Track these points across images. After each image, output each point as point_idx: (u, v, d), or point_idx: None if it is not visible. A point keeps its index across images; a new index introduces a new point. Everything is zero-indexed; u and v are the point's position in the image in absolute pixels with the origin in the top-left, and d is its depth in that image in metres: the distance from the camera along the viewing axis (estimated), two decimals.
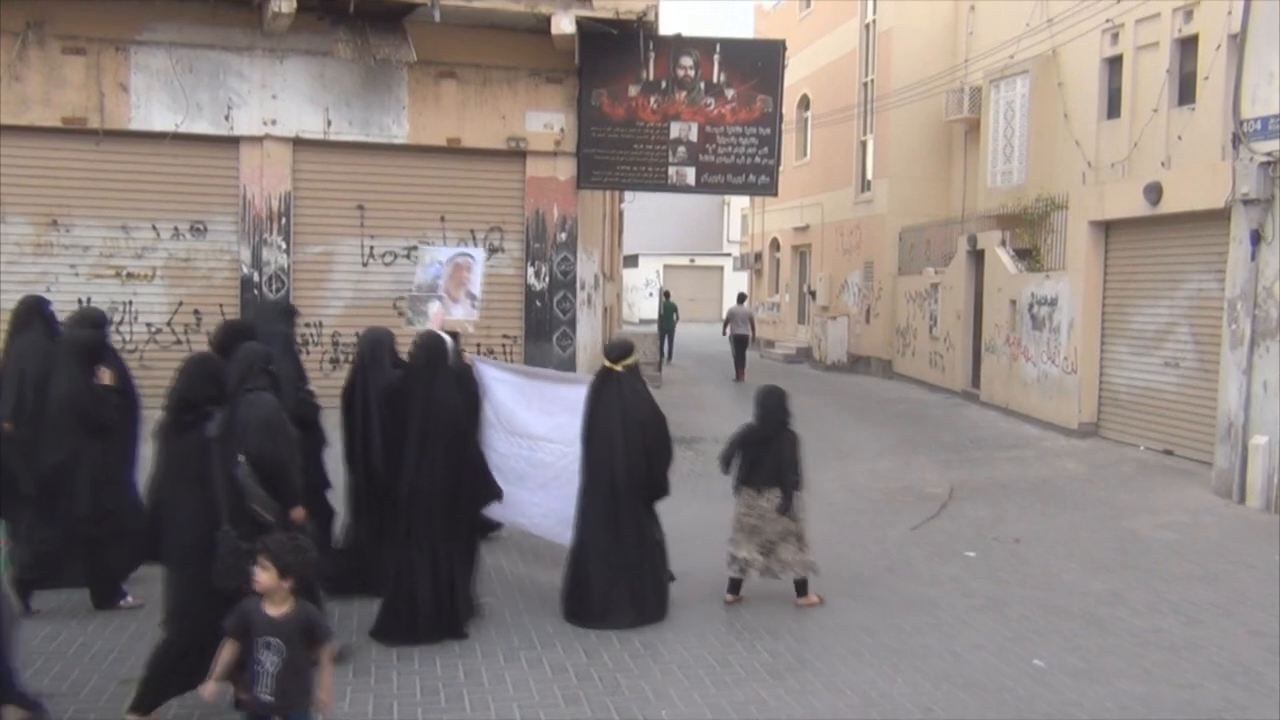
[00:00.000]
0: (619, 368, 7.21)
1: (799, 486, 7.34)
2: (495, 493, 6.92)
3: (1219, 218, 11.84)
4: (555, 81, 12.48)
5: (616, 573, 6.92)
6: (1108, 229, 14.97)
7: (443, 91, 12.20)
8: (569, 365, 12.25)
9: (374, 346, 7.31)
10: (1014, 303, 17.24)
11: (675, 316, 28.11)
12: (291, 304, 8.64)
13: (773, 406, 7.45)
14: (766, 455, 7.32)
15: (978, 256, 19.02)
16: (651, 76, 12.56)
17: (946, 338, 20.36)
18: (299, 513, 5.38)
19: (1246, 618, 7.43)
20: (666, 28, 13.07)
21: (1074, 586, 8.08)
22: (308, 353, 12.01)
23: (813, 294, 28.03)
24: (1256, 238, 10.89)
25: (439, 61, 12.07)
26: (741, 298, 26.85)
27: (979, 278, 19.00)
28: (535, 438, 7.78)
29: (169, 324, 11.63)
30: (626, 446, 6.98)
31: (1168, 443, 13.62)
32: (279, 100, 11.78)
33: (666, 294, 30.78)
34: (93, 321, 7.22)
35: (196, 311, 11.73)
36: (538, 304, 12.56)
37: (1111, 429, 14.85)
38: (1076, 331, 15.25)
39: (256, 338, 6.32)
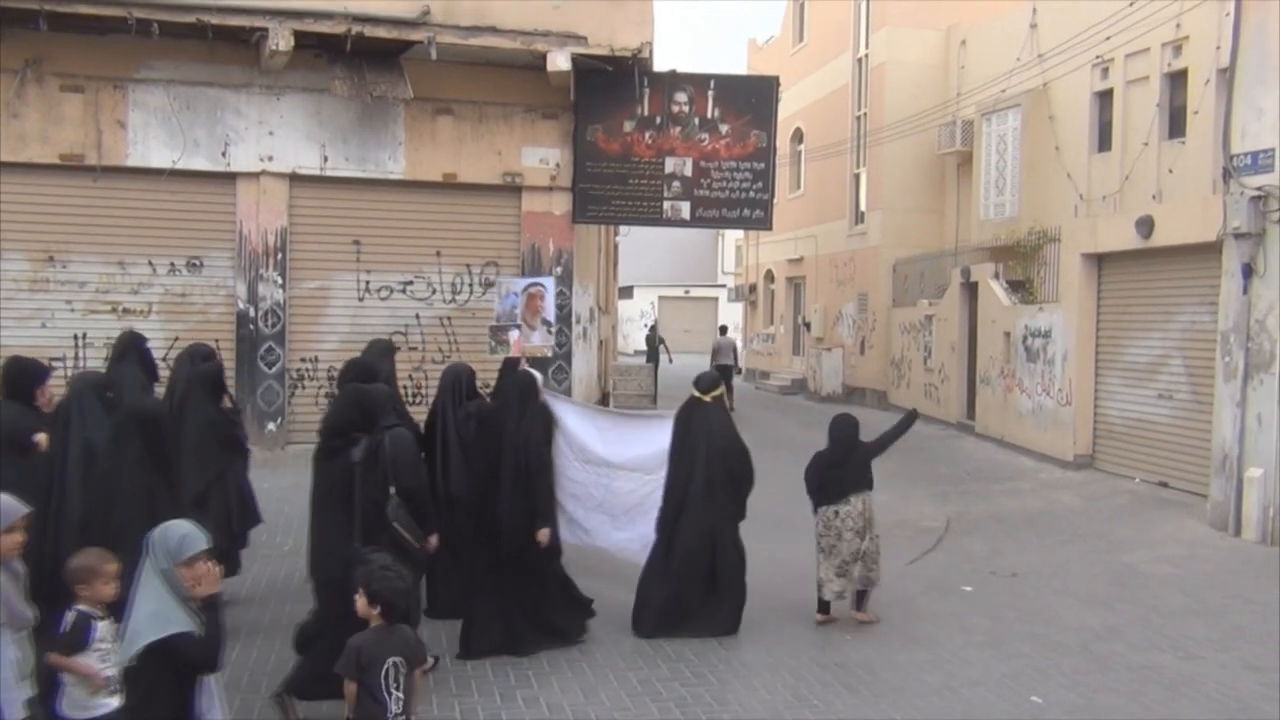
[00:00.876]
0: (707, 398, 7.73)
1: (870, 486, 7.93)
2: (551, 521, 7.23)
3: (1211, 251, 11.91)
4: (551, 117, 12.58)
5: (689, 588, 7.37)
6: (1100, 261, 15.05)
7: (439, 128, 12.29)
8: None
9: (454, 381, 7.62)
10: (1008, 335, 17.29)
11: (662, 349, 28.27)
12: (392, 341, 9.05)
13: (845, 432, 7.97)
14: (843, 476, 7.84)
15: (971, 288, 19.10)
16: (646, 112, 12.68)
17: (941, 369, 20.40)
18: (434, 541, 5.98)
19: (1244, 652, 7.42)
20: (661, 64, 13.22)
21: (1071, 621, 8.06)
22: (304, 387, 12.05)
23: (807, 325, 28.11)
24: (1248, 271, 10.96)
25: (435, 98, 12.16)
26: (724, 330, 27.30)
27: (973, 310, 19.07)
28: (612, 466, 8.03)
29: (164, 359, 11.55)
30: (710, 471, 7.43)
31: (1163, 475, 13.63)
32: (276, 137, 11.86)
33: (654, 328, 31.02)
34: (205, 355, 7.69)
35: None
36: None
37: (1107, 461, 14.86)
38: (1071, 363, 15.29)
39: (377, 377, 6.93)
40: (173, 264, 11.82)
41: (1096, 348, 15.14)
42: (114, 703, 4.17)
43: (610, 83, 12.36)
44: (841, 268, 26.23)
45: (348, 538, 5.54)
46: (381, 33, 11.32)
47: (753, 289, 34.38)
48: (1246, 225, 10.82)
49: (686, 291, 49.47)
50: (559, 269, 12.63)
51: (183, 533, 4.14)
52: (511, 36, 11.65)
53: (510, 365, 7.81)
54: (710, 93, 12.86)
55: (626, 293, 44.20)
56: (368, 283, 12.37)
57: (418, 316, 12.53)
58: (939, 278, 21.27)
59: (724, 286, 47.34)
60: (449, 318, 12.62)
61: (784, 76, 16.57)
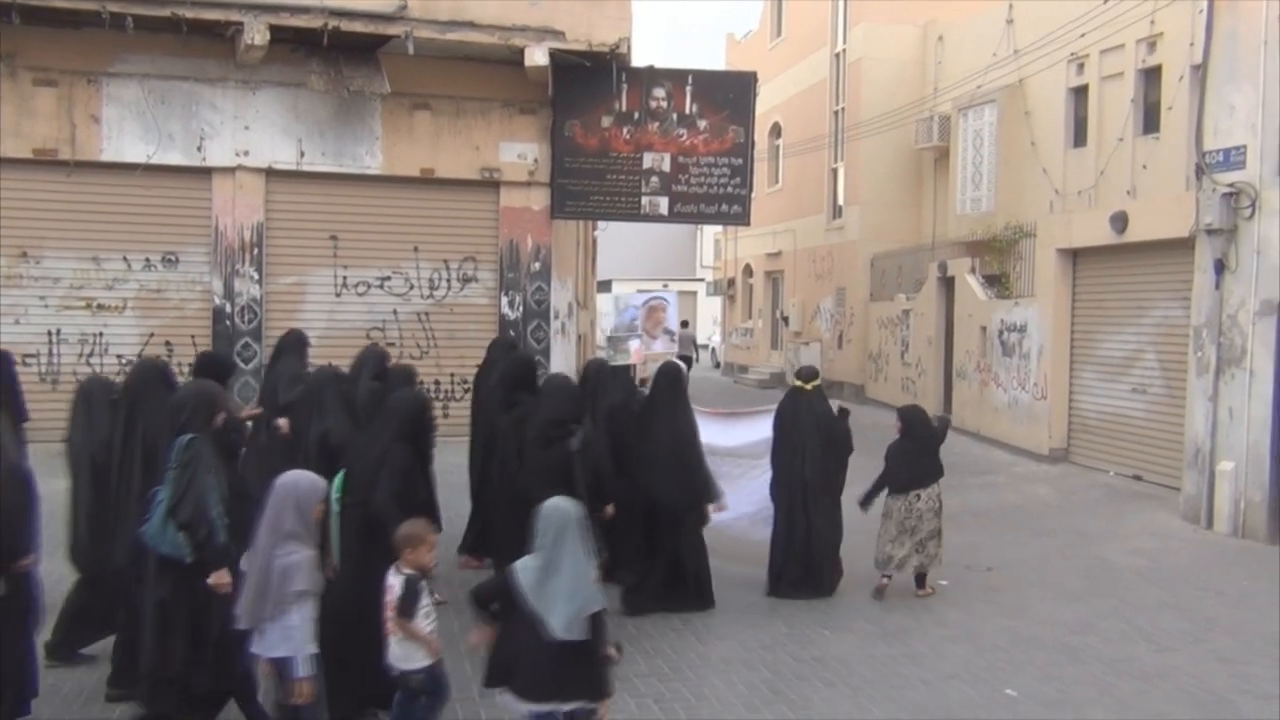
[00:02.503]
0: (809, 388, 8.63)
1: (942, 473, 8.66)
2: (717, 493, 7.99)
3: (1184, 246, 12.02)
4: (529, 112, 12.57)
5: (811, 555, 8.33)
6: (1075, 256, 15.16)
7: (416, 122, 12.25)
8: None
9: (599, 374, 8.60)
10: (984, 329, 17.40)
11: None
12: (514, 338, 9.65)
13: (916, 421, 8.70)
14: (926, 463, 8.49)
15: (948, 283, 19.20)
16: (624, 107, 12.68)
17: (918, 363, 20.51)
18: (610, 509, 6.90)
19: (1216, 645, 7.51)
20: (639, 59, 13.19)
21: (1046, 615, 8.13)
22: None
23: (785, 319, 28.19)
24: (1220, 267, 11.07)
25: (413, 93, 12.13)
26: (684, 324, 27.53)
27: (949, 304, 19.17)
28: (718, 453, 8.61)
29: (140, 355, 11.55)
30: (814, 453, 8.31)
31: (1137, 468, 13.77)
32: (252, 131, 11.80)
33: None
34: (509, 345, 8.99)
35: (168, 342, 11.69)
36: (512, 333, 12.58)
37: (1081, 454, 14.99)
38: (1046, 358, 15.41)
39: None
40: (148, 259, 11.75)
41: (1071, 342, 15.26)
42: (430, 659, 4.84)
43: (588, 78, 12.35)
44: (819, 262, 26.31)
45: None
46: (358, 27, 11.28)
47: (731, 283, 34.45)
48: (1218, 221, 10.93)
49: (665, 285, 49.36)
50: (537, 264, 12.62)
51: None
52: (489, 31, 11.63)
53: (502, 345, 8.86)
54: (688, 88, 12.87)
55: (605, 287, 44.12)
56: (345, 278, 12.34)
57: (395, 312, 12.50)
58: (916, 272, 21.38)
59: (703, 280, 47.34)
60: (427, 313, 12.60)
61: (762, 71, 16.60)
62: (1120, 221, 13.66)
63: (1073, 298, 15.24)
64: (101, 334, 11.56)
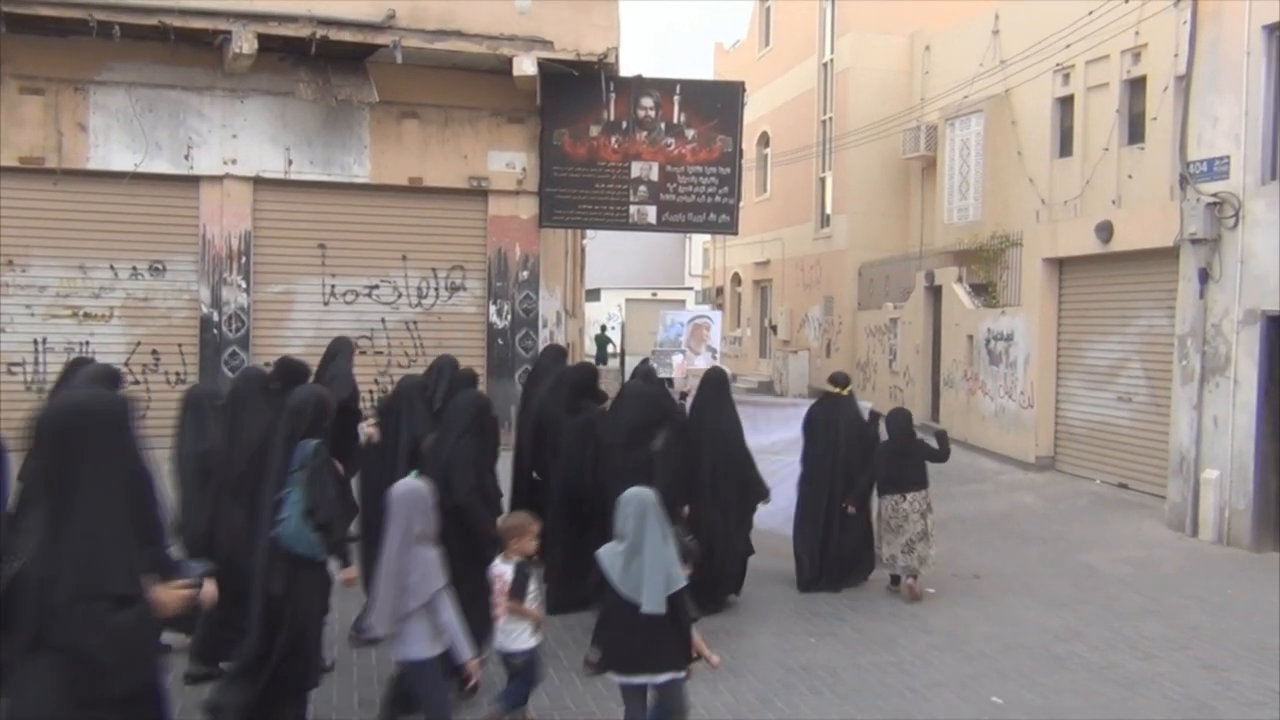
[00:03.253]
0: (844, 392, 9.15)
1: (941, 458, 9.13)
2: (764, 492, 8.35)
3: (1169, 256, 12.10)
4: (517, 121, 12.58)
5: (842, 554, 8.84)
6: (1061, 266, 15.24)
7: (405, 131, 12.25)
8: None
9: (644, 373, 9.06)
10: (971, 338, 17.47)
11: (610, 349, 28.68)
12: (564, 347, 10.41)
13: (901, 424, 8.94)
14: (905, 465, 8.74)
15: (935, 292, 19.27)
16: (612, 117, 12.70)
17: (906, 372, 20.57)
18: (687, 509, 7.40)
19: (1200, 652, 7.55)
20: (627, 69, 13.22)
21: (1032, 622, 8.17)
22: None
23: (774, 328, 28.24)
24: (1205, 276, 11.15)
25: (401, 101, 12.13)
26: (645, 360, 28.42)
27: (937, 313, 19.24)
28: (754, 451, 8.64)
29: (126, 364, 11.50)
30: (847, 456, 8.81)
31: (1122, 476, 13.83)
32: (239, 140, 11.78)
33: (603, 329, 31.93)
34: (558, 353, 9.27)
35: (155, 351, 11.66)
36: (500, 342, 12.58)
37: (1067, 463, 15.05)
38: (1032, 366, 15.48)
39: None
40: (135, 268, 11.71)
41: (1058, 351, 15.34)
42: (536, 640, 5.49)
43: (576, 87, 12.37)
44: (808, 271, 26.38)
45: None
46: (346, 36, 11.27)
47: (720, 292, 34.50)
48: (1202, 231, 11.01)
49: (654, 294, 49.39)
50: (525, 273, 12.63)
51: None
52: (477, 40, 11.64)
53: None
54: (676, 97, 12.90)
55: (594, 295, 44.15)
56: (333, 287, 12.31)
57: (383, 321, 12.48)
58: (904, 281, 21.45)
59: (691, 289, 47.40)
60: (415, 322, 12.58)
61: (750, 81, 16.65)
62: (1106, 231, 13.74)
63: (1059, 307, 15.32)
64: (88, 343, 11.51)
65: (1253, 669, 7.17)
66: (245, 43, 10.91)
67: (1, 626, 3.25)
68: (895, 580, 8.92)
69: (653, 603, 4.66)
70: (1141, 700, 6.58)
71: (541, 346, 12.66)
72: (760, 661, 7.11)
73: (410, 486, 5.05)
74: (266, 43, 11.11)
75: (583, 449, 7.75)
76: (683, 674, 4.88)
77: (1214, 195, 10.98)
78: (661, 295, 49.46)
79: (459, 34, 11.57)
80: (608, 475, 7.03)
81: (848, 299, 24.08)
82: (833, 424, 8.90)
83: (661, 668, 4.81)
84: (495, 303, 12.61)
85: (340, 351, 8.58)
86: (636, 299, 48.29)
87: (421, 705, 5.07)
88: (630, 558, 4.76)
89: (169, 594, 3.57)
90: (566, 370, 8.79)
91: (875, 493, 8.97)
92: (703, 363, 10.45)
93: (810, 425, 9.01)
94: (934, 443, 9.06)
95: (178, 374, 11.53)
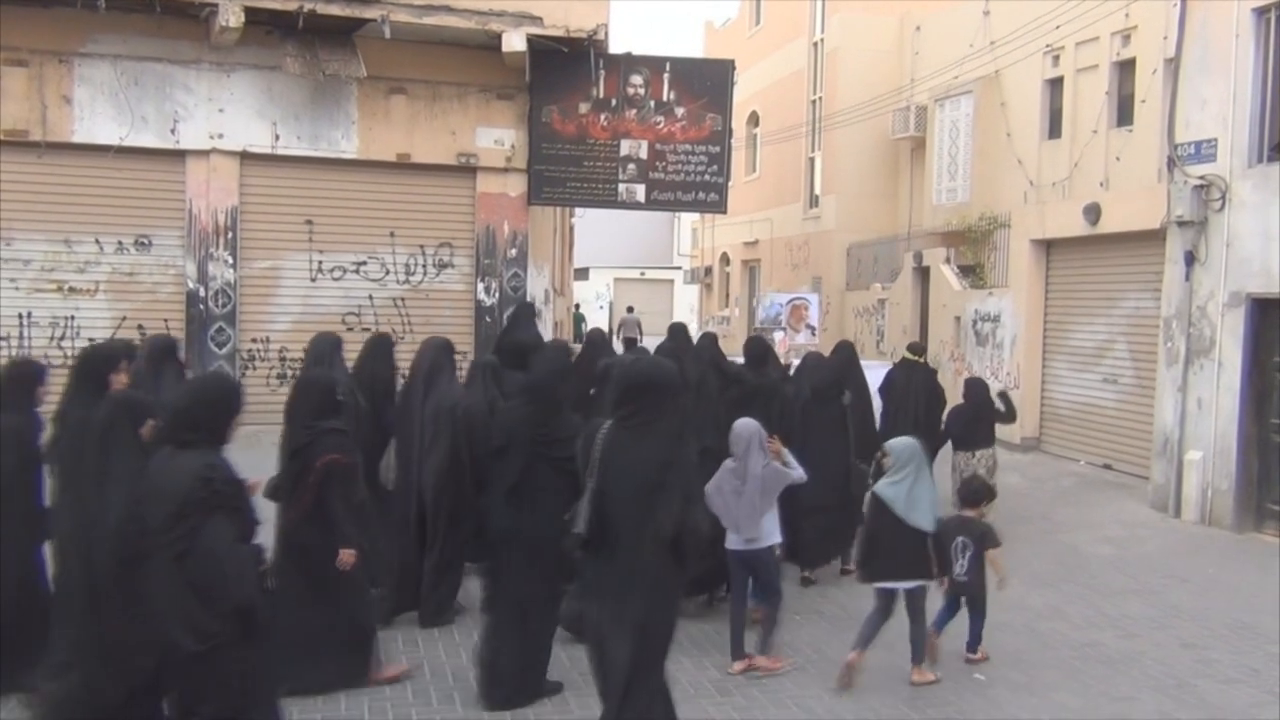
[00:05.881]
0: (921, 360, 10.33)
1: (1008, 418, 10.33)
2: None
3: (1155, 238, 12.14)
4: (506, 98, 12.52)
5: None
6: (1049, 247, 15.28)
7: (393, 107, 12.19)
8: None
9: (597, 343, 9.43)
10: (958, 319, 17.51)
11: (584, 326, 28.87)
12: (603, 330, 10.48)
13: (978, 391, 10.02)
14: (976, 427, 9.80)
15: (923, 273, 19.30)
16: (602, 94, 12.66)
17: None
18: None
19: (1180, 631, 7.62)
20: (616, 46, 13.17)
21: (1015, 601, 8.19)
22: (254, 368, 11.93)
23: None
24: (1190, 259, 11.18)
25: (389, 77, 12.06)
26: (630, 309, 30.31)
27: (925, 294, 19.28)
28: None
29: (112, 339, 11.45)
30: (923, 417, 9.73)
31: (1107, 457, 13.91)
32: (226, 114, 11.71)
33: (577, 305, 32.34)
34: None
35: (140, 326, 11.59)
36: (488, 319, 12.56)
37: (1052, 444, 15.13)
38: (1019, 347, 15.53)
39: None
40: (120, 242, 11.65)
41: (1044, 332, 15.39)
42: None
43: (566, 64, 12.32)
44: (796, 251, 26.38)
45: (847, 456, 8.23)
46: (334, 10, 11.20)
47: (708, 271, 34.50)
48: (1189, 213, 11.04)
49: (642, 274, 49.40)
50: (514, 250, 12.60)
51: None
52: (466, 16, 11.57)
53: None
54: (666, 75, 12.86)
55: (582, 274, 44.10)
56: (320, 263, 12.27)
57: (371, 298, 12.45)
58: (892, 262, 21.47)
59: (680, 269, 47.37)
60: (403, 299, 12.56)
61: (740, 59, 16.61)
62: (1093, 213, 13.77)
63: (1046, 288, 15.36)
64: (73, 317, 11.46)
65: (1231, 648, 7.25)
66: (232, 15, 10.83)
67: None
68: None
69: (926, 522, 6.19)
70: (1122, 678, 6.64)
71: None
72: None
73: (749, 422, 6.46)
74: (253, 16, 11.03)
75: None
76: (927, 584, 6.36)
77: (1201, 178, 11.00)
78: (650, 275, 49.48)
79: (447, 9, 11.50)
80: (804, 428, 8.03)
81: (836, 279, 24.09)
82: (910, 387, 9.97)
83: (909, 576, 6.28)
84: (483, 280, 12.59)
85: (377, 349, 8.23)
86: (625, 278, 48.28)
87: (762, 586, 6.53)
88: (911, 488, 6.19)
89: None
90: (748, 343, 9.41)
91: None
92: (803, 340, 11.99)
93: (889, 387, 9.95)
94: (1000, 405, 10.09)
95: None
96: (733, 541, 6.43)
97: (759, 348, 9.19)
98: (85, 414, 5.02)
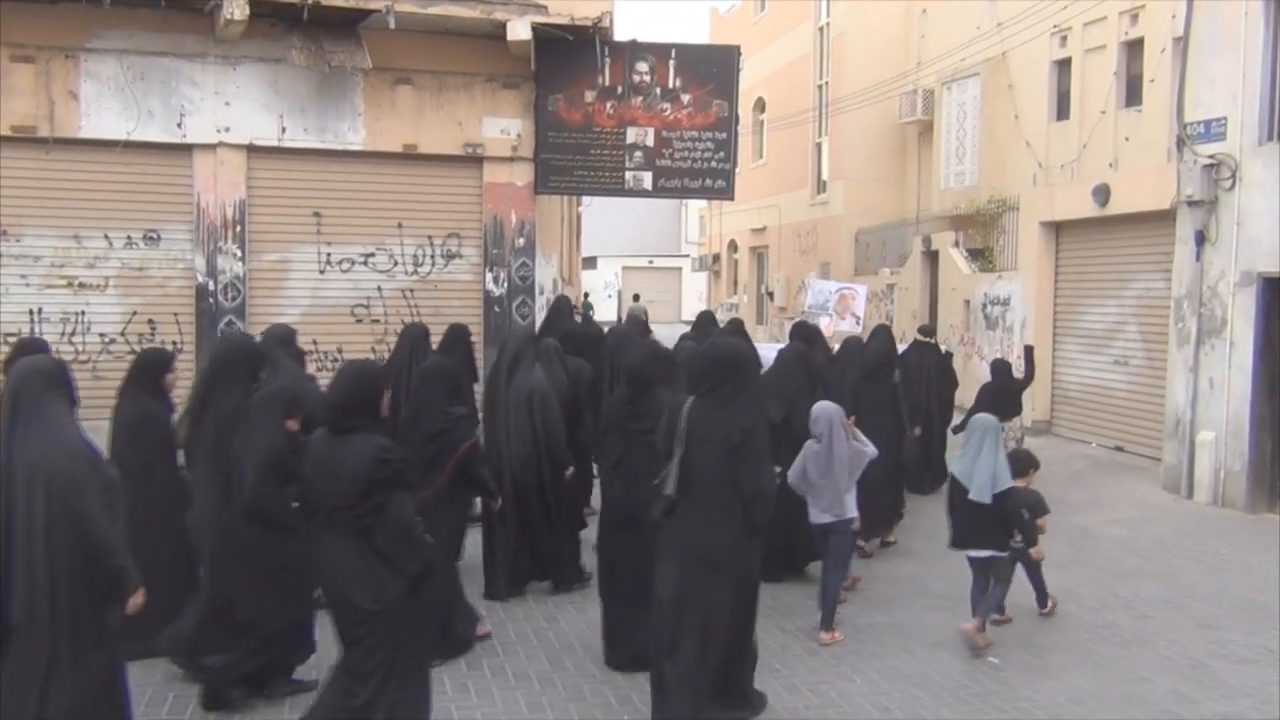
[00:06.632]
0: (932, 340, 11.57)
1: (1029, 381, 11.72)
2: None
3: (1165, 218, 12.09)
4: (512, 87, 12.48)
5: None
6: (1058, 229, 15.22)
7: (399, 97, 12.17)
8: None
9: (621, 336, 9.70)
10: (968, 302, 17.47)
11: (591, 314, 29.08)
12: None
13: (1002, 369, 11.09)
14: (1003, 401, 10.40)
15: (932, 257, 19.25)
16: (607, 82, 12.60)
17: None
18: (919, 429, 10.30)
19: (1194, 611, 7.61)
20: (622, 33, 13.11)
21: (1027, 584, 8.18)
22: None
23: (770, 295, 28.22)
24: (1201, 238, 11.13)
25: (395, 68, 12.03)
26: (636, 297, 30.77)
27: (934, 278, 19.23)
28: None
29: (123, 334, 11.50)
30: (935, 393, 10.98)
31: (1118, 439, 13.87)
32: (232, 107, 11.69)
33: (586, 295, 32.34)
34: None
35: (151, 321, 11.62)
36: (496, 309, 12.56)
37: (1064, 426, 15.10)
38: (1029, 330, 15.49)
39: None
40: (129, 237, 11.65)
41: (1054, 315, 15.34)
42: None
43: (571, 52, 12.27)
44: (804, 237, 26.33)
45: (899, 433, 8.98)
46: (339, 1, 11.16)
47: (716, 259, 34.46)
48: (1199, 193, 10.98)
49: (650, 262, 49.44)
50: (521, 240, 12.59)
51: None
52: (471, 5, 11.53)
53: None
54: (671, 62, 12.80)
55: (590, 263, 44.12)
56: (328, 255, 12.26)
57: (379, 289, 12.44)
58: (900, 246, 21.42)
59: (688, 256, 47.35)
60: (411, 290, 12.54)
61: (746, 45, 16.52)
62: (1102, 194, 13.71)
63: (1055, 270, 15.31)
64: (84, 312, 11.47)
65: (1247, 628, 7.24)
66: (237, 9, 10.79)
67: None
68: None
69: (979, 493, 6.52)
70: (1137, 659, 6.64)
71: (538, 314, 12.63)
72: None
73: (829, 405, 6.87)
74: (258, 8, 10.99)
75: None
76: (1003, 553, 6.78)
77: (1211, 157, 10.95)
78: (658, 263, 49.48)
79: None
80: (857, 403, 8.50)
81: (844, 264, 24.05)
82: (923, 365, 10.99)
83: (984, 545, 6.72)
84: (491, 270, 12.58)
85: (455, 342, 8.83)
86: (633, 266, 48.29)
87: (833, 557, 6.87)
88: (974, 460, 6.59)
89: None
90: (795, 328, 9.82)
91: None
92: (847, 326, 12.98)
93: (904, 366, 10.24)
94: (1023, 363, 11.47)
95: (174, 343, 11.47)
96: (818, 516, 6.84)
97: (806, 331, 9.58)
98: (238, 404, 5.60)
